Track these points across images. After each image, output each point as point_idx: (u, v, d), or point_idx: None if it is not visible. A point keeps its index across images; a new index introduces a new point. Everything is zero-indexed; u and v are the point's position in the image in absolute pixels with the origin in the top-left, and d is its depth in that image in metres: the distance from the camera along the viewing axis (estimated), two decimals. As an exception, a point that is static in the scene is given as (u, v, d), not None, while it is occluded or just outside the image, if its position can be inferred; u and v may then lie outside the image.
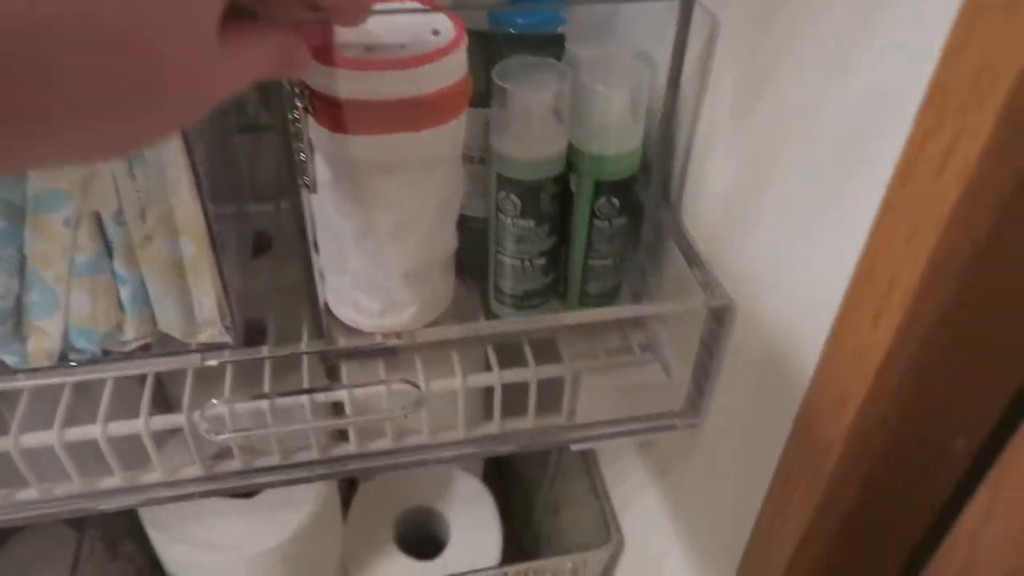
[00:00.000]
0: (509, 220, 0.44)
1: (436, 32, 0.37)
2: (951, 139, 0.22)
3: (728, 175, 0.40)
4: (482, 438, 0.48)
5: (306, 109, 0.36)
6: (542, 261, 0.45)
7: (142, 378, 0.45)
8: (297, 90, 0.36)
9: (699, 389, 0.45)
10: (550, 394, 0.48)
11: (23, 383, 0.39)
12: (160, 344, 0.47)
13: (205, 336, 0.46)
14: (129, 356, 0.46)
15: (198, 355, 0.36)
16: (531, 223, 0.43)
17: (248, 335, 0.50)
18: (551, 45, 0.43)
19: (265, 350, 0.41)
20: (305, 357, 0.45)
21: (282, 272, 0.53)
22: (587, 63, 0.43)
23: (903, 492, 0.32)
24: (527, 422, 0.48)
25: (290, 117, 0.36)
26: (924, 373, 0.27)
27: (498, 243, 0.45)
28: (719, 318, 0.41)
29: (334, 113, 0.36)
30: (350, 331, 0.45)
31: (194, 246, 0.43)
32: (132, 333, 0.45)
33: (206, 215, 0.42)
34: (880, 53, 0.27)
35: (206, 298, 0.45)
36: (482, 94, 0.41)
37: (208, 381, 0.47)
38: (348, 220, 0.40)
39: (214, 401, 0.39)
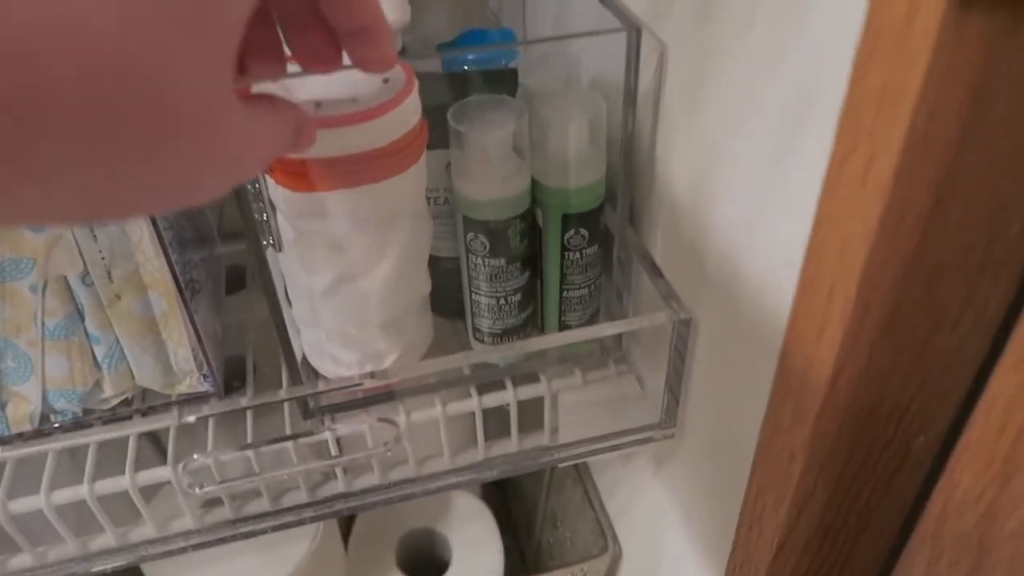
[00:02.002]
0: (480, 260, 0.43)
1: (386, 80, 0.37)
2: (867, 159, 0.23)
3: (684, 189, 0.40)
4: (468, 466, 0.48)
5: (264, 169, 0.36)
6: (517, 297, 0.45)
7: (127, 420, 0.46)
8: None
9: (674, 399, 0.45)
10: (532, 415, 0.48)
11: (4, 455, 0.39)
12: (140, 396, 0.48)
13: (184, 386, 0.47)
14: (111, 412, 0.47)
15: (176, 412, 0.36)
16: (502, 261, 0.43)
17: (228, 374, 0.51)
18: (504, 81, 0.43)
19: (244, 400, 0.41)
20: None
21: (259, 306, 0.53)
22: (542, 97, 0.42)
23: (871, 495, 0.32)
24: (511, 445, 0.49)
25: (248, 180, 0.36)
26: (873, 381, 0.28)
27: (472, 283, 0.45)
28: (684, 329, 0.41)
29: (291, 172, 0.36)
30: (330, 383, 0.46)
31: (164, 300, 0.43)
32: (111, 390, 0.46)
33: (171, 269, 0.42)
34: (801, 64, 0.28)
35: (181, 349, 0.45)
36: (441, 135, 0.41)
37: (193, 426, 0.47)
38: (316, 277, 0.40)
39: (195, 456, 0.39)
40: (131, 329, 0.44)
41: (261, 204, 0.38)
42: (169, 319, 0.44)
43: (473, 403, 0.47)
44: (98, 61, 0.16)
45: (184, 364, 0.46)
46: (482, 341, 0.48)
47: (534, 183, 0.43)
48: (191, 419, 0.36)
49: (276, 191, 0.38)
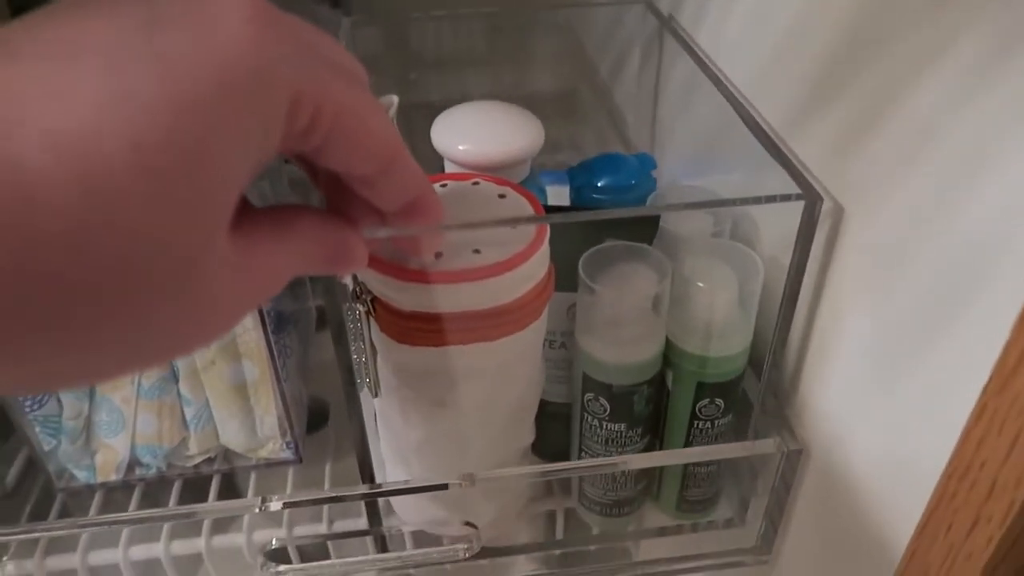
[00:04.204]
0: (597, 422, 0.38)
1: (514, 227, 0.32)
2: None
3: (850, 370, 0.34)
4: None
5: (368, 313, 0.33)
6: None
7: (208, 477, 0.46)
8: (359, 290, 0.32)
9: (772, 526, 0.42)
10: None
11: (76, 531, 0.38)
12: (223, 455, 0.48)
13: (266, 451, 0.47)
14: (194, 469, 0.47)
15: (257, 501, 0.35)
16: (622, 427, 0.37)
17: (311, 417, 0.51)
18: (644, 226, 0.37)
19: (324, 489, 0.39)
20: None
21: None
22: (687, 247, 0.36)
23: None
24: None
25: (350, 316, 0.33)
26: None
27: (583, 443, 0.39)
28: (794, 460, 0.38)
29: (400, 323, 0.32)
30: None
31: (257, 369, 0.43)
32: (196, 448, 0.46)
33: (268, 341, 0.42)
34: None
35: (268, 417, 0.45)
36: (566, 275, 0.35)
37: (270, 474, 0.47)
38: (412, 430, 0.36)
39: (274, 541, 0.38)
40: (222, 394, 0.44)
41: (361, 345, 0.34)
42: (259, 388, 0.44)
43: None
44: (50, 237, 0.15)
45: (269, 431, 0.46)
46: (589, 509, 0.42)
47: (668, 342, 0.37)
48: (272, 508, 0.35)
49: (379, 336, 0.34)
